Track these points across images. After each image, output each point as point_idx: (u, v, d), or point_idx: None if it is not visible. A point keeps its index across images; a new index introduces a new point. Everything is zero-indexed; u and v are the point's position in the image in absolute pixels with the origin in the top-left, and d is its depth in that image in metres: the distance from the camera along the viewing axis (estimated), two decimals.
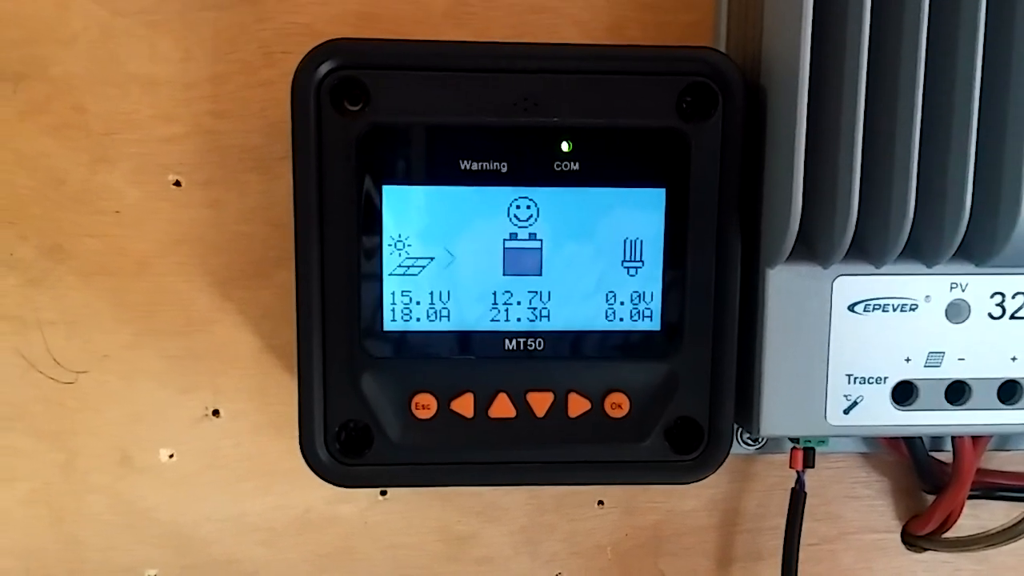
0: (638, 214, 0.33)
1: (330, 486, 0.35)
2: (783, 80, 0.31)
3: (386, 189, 0.33)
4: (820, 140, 0.31)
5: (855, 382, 0.34)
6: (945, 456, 0.41)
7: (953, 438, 0.39)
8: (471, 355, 0.34)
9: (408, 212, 0.33)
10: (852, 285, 0.34)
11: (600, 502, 0.43)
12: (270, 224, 0.39)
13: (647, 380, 0.35)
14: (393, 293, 0.33)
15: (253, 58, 0.38)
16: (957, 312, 0.34)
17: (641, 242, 0.34)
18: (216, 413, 0.41)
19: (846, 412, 0.34)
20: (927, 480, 0.41)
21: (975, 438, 0.39)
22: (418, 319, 0.34)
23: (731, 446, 0.35)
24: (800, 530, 0.40)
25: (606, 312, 0.34)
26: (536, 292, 0.34)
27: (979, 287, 0.34)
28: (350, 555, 0.43)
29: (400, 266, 0.33)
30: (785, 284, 0.34)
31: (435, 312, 0.34)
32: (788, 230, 0.31)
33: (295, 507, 0.42)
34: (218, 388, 0.41)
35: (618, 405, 0.35)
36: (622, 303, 0.34)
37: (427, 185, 0.33)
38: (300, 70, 0.32)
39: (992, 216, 0.31)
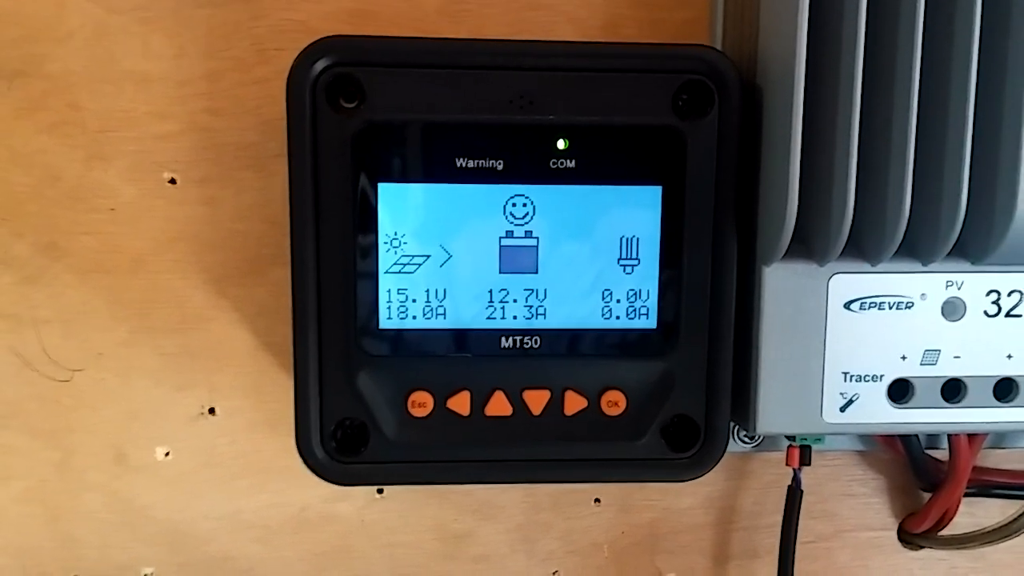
0: (634, 212, 0.33)
1: (326, 484, 0.35)
2: (779, 78, 0.31)
3: (382, 187, 0.33)
4: (816, 138, 0.31)
5: (851, 380, 0.34)
6: (941, 454, 0.41)
7: (949, 436, 0.39)
8: (467, 353, 0.34)
9: (404, 210, 0.33)
10: (848, 283, 0.34)
11: (596, 500, 0.43)
12: (266, 222, 0.39)
13: (643, 378, 0.35)
14: (389, 291, 0.33)
15: (247, 55, 0.38)
16: (953, 310, 0.34)
17: (637, 240, 0.34)
18: (212, 411, 0.41)
19: (842, 410, 0.34)
20: (923, 478, 0.41)
21: (971, 436, 0.39)
22: (414, 317, 0.34)
23: (727, 444, 0.35)
24: (796, 528, 0.40)
25: (602, 310, 0.34)
26: (532, 290, 0.34)
27: (975, 285, 0.34)
28: (346, 553, 0.43)
29: (396, 264, 0.33)
30: (781, 282, 0.34)
31: (431, 310, 0.34)
32: (784, 228, 0.31)
33: (291, 505, 0.42)
34: (214, 386, 0.41)
35: (614, 403, 0.35)
36: (618, 301, 0.34)
37: (423, 183, 0.33)
38: (295, 67, 0.32)
39: (988, 214, 0.31)
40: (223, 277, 0.40)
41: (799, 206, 0.31)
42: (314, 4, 0.38)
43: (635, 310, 0.34)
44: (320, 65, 0.32)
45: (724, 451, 0.35)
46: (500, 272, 0.34)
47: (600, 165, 0.33)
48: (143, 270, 0.39)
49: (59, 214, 0.39)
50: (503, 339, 0.34)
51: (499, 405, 0.34)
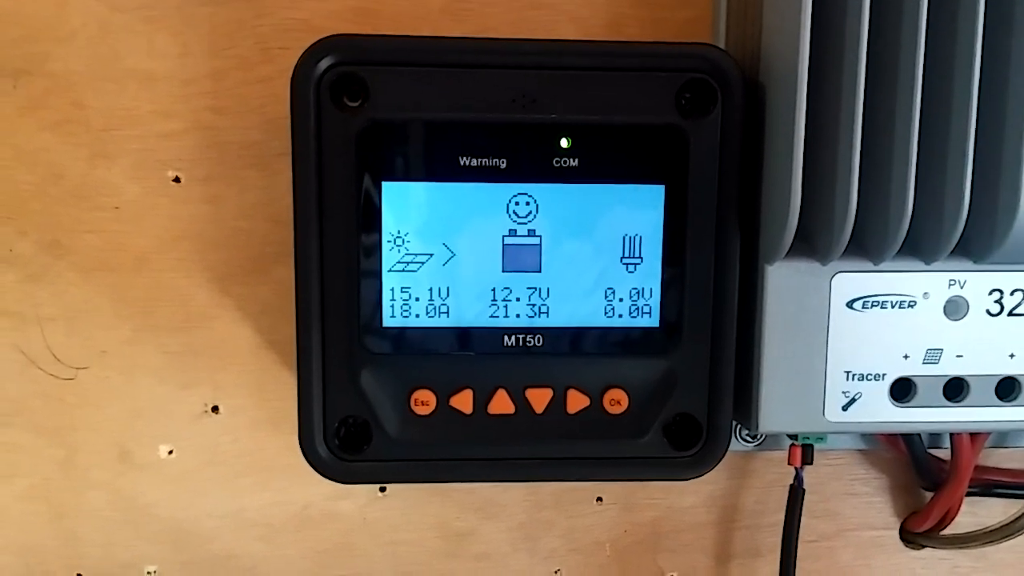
0: (637, 211, 0.33)
1: (329, 482, 0.35)
2: (782, 76, 0.31)
3: (385, 185, 0.33)
4: (819, 137, 0.31)
5: (853, 379, 0.34)
6: (943, 453, 0.41)
7: (951, 435, 0.39)
8: (470, 351, 0.34)
9: (407, 208, 0.33)
10: (851, 282, 0.34)
11: (599, 498, 0.43)
12: (269, 220, 0.39)
13: (646, 376, 0.35)
14: (392, 289, 0.33)
15: (251, 54, 0.38)
16: (955, 309, 0.34)
17: (640, 238, 0.34)
18: (215, 409, 0.41)
19: (844, 409, 0.34)
20: (925, 477, 0.41)
21: (973, 435, 0.39)
22: (417, 315, 0.34)
23: (730, 443, 0.35)
24: (798, 527, 0.40)
25: (605, 309, 0.34)
26: (535, 288, 0.34)
27: (977, 284, 0.34)
28: (349, 551, 0.43)
29: (399, 262, 0.33)
30: (784, 281, 0.34)
31: (434, 308, 0.34)
32: (787, 226, 0.31)
33: (294, 503, 0.42)
34: (217, 384, 0.41)
35: (617, 401, 0.35)
36: (621, 300, 0.34)
37: (426, 181, 0.33)
38: (299, 66, 0.32)
39: (991, 213, 0.31)
40: (227, 275, 0.40)
41: (802, 204, 0.31)
42: (317, 2, 0.38)
43: (638, 309, 0.34)
44: (324, 64, 0.32)
45: (726, 450, 0.35)
46: (503, 271, 0.34)
47: (603, 164, 0.33)
48: (147, 268, 0.40)
49: (63, 212, 0.39)
50: (506, 337, 0.34)
51: (502, 403, 0.35)
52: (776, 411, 0.34)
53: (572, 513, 0.43)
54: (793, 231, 0.31)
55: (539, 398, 0.35)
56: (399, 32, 0.37)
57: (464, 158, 0.33)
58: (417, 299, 0.34)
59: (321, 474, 0.34)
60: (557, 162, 0.33)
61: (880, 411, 0.34)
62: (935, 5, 0.30)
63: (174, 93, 0.38)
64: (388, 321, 0.34)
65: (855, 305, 0.34)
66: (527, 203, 0.33)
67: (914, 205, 0.30)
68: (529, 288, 0.34)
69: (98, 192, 0.39)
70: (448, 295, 0.34)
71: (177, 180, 0.39)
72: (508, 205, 0.33)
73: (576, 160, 0.33)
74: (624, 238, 0.34)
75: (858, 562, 0.44)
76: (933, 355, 0.34)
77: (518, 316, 0.34)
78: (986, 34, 0.29)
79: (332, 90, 0.32)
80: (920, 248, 0.32)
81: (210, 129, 0.39)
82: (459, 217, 0.33)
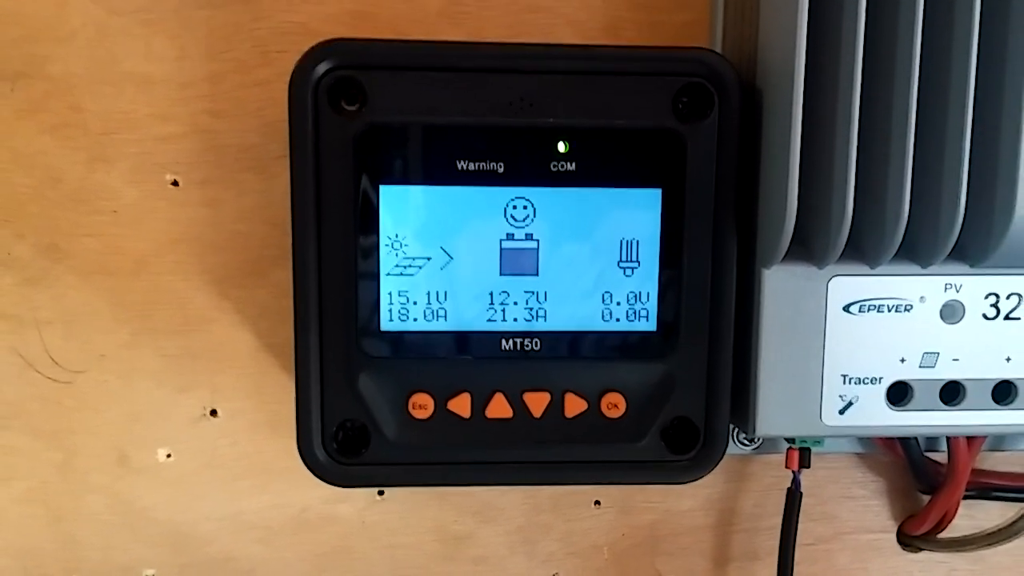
0: (634, 214, 0.33)
1: (327, 485, 0.35)
2: (779, 81, 0.31)
3: (383, 189, 0.33)
4: (815, 141, 0.31)
5: (850, 382, 0.34)
6: (940, 456, 0.41)
7: (948, 438, 0.39)
8: (468, 355, 0.34)
9: (405, 212, 0.33)
10: (847, 285, 0.34)
11: (597, 502, 0.43)
12: (267, 223, 0.39)
13: (643, 380, 0.35)
14: (390, 293, 0.34)
15: (248, 57, 0.38)
16: (952, 313, 0.34)
17: (637, 243, 0.34)
18: (213, 412, 0.41)
19: (841, 412, 0.34)
20: (922, 480, 0.41)
21: (970, 439, 0.39)
22: (415, 319, 0.34)
23: (727, 446, 0.35)
24: (796, 530, 0.40)
25: (602, 312, 0.34)
26: (533, 292, 0.34)
27: (973, 288, 0.34)
28: (347, 554, 0.43)
29: (397, 266, 0.33)
30: (781, 284, 0.34)
31: (432, 312, 0.34)
32: (784, 230, 0.31)
33: (292, 506, 0.42)
34: (215, 387, 0.41)
35: (614, 405, 0.35)
36: (618, 303, 0.34)
37: (424, 185, 0.33)
38: (297, 69, 0.32)
39: (987, 217, 0.31)
40: (225, 279, 0.40)
41: (798, 208, 0.31)
42: (315, 6, 0.38)
43: (635, 312, 0.34)
44: (322, 68, 0.32)
45: (724, 453, 0.35)
46: (501, 274, 0.34)
47: (600, 168, 0.33)
48: (145, 272, 0.40)
49: (61, 216, 0.39)
50: (503, 341, 0.34)
51: (500, 407, 0.35)
52: (773, 415, 0.34)
53: (570, 516, 0.43)
54: (790, 235, 0.31)
55: (537, 402, 0.35)
56: (396, 36, 0.37)
57: (462, 162, 0.33)
58: (415, 303, 0.34)
59: (319, 477, 0.34)
60: (555, 166, 0.33)
61: (877, 415, 0.35)
62: (931, 10, 0.30)
63: (172, 96, 0.38)
64: (386, 325, 0.34)
65: (852, 309, 0.34)
66: (525, 207, 0.33)
67: (910, 209, 0.30)
68: (527, 292, 0.34)
69: (96, 195, 0.39)
70: (446, 299, 0.34)
71: (175, 183, 0.39)
72: (506, 209, 0.33)
73: (573, 164, 0.33)
74: (621, 242, 0.34)
75: (855, 565, 0.44)
76: (929, 359, 0.34)
77: (516, 320, 0.34)
78: (981, 40, 0.30)
79: (330, 94, 0.32)
80: (916, 252, 0.33)
81: (208, 132, 0.39)
82: (457, 221, 0.33)
